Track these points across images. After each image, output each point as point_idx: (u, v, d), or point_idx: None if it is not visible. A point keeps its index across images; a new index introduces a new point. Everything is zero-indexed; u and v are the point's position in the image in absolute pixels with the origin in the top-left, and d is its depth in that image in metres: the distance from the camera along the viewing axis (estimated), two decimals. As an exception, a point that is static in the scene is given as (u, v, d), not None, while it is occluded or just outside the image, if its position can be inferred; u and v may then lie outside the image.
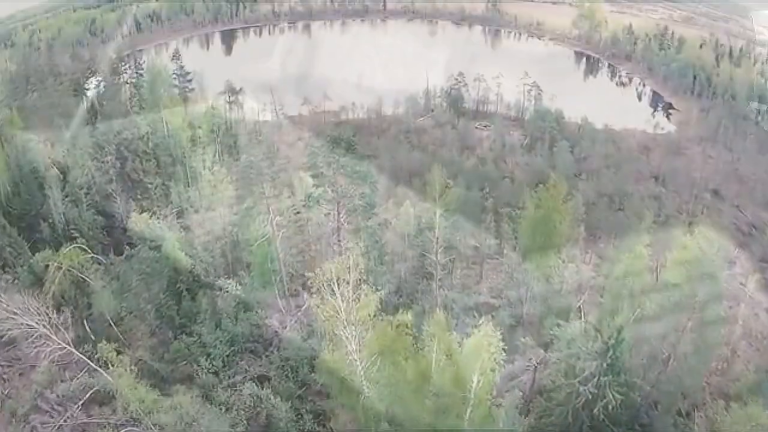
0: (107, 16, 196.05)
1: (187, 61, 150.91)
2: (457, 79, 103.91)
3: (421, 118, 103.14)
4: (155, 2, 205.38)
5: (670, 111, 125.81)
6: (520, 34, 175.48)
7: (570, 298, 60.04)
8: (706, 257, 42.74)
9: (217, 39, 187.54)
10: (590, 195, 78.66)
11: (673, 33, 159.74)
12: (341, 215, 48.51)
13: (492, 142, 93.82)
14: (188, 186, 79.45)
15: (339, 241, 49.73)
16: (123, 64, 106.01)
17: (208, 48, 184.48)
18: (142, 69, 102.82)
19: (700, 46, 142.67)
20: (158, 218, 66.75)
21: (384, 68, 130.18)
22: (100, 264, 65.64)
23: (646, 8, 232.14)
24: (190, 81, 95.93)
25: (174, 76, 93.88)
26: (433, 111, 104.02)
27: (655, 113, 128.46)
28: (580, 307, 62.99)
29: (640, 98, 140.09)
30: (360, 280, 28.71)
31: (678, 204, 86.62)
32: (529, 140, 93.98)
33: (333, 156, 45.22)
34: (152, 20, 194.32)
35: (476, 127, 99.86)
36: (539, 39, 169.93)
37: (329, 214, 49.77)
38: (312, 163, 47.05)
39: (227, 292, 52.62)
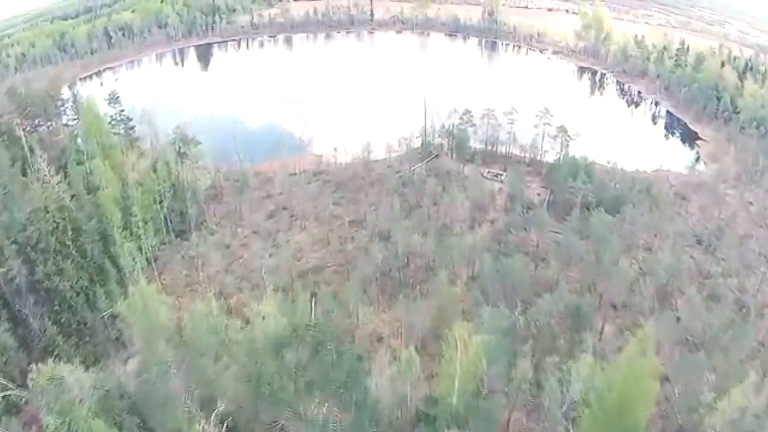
0: (78, 29, 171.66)
1: (149, 87, 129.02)
2: (462, 118, 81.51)
3: (419, 165, 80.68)
4: (130, 13, 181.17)
5: (697, 142, 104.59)
6: (519, 47, 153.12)
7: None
8: None
9: (192, 54, 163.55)
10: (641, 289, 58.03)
11: (684, 45, 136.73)
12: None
13: (507, 199, 71.92)
14: (121, 284, 57.69)
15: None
16: (61, 104, 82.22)
17: (182, 64, 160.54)
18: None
19: (722, 65, 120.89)
20: (71, 360, 45.71)
21: (372, 99, 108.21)
22: (15, 408, 45.93)
23: (642, 13, 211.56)
24: (132, 128, 72.80)
25: (111, 122, 70.91)
26: (436, 156, 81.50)
27: (681, 144, 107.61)
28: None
29: (654, 121, 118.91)
30: None
31: (730, 281, 65.88)
32: (552, 196, 72.51)
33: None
34: (124, 34, 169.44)
35: (485, 176, 78.14)
36: (541, 52, 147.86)
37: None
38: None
39: None
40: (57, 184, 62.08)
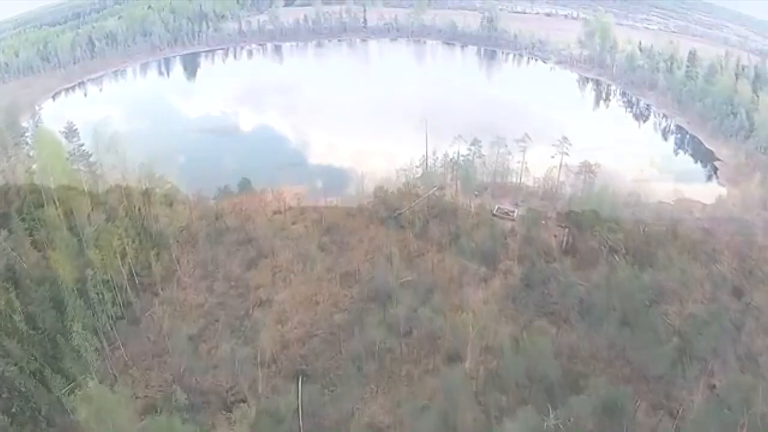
0: (62, 38, 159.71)
1: (132, 101, 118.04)
2: (470, 149, 71.08)
3: (420, 200, 70.66)
4: (115, 20, 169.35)
5: (715, 163, 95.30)
6: (520, 56, 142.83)
7: None
8: None
9: (177, 64, 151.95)
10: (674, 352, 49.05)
11: (693, 54, 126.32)
12: None
13: (522, 243, 62.03)
14: (79, 360, 47.59)
15: None
16: (20, 135, 71.28)
17: (168, 75, 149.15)
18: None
19: (736, 76, 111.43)
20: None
21: (366, 119, 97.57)
22: None
23: (641, 17, 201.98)
24: (93, 164, 61.97)
25: (70, 158, 60.57)
26: (439, 188, 71.32)
27: (697, 165, 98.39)
28: None
29: (666, 138, 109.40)
30: None
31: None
32: (571, 238, 62.87)
33: None
34: (108, 43, 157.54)
35: (495, 215, 68.38)
36: (543, 62, 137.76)
37: None
38: None
39: None
40: (5, 240, 52.07)
